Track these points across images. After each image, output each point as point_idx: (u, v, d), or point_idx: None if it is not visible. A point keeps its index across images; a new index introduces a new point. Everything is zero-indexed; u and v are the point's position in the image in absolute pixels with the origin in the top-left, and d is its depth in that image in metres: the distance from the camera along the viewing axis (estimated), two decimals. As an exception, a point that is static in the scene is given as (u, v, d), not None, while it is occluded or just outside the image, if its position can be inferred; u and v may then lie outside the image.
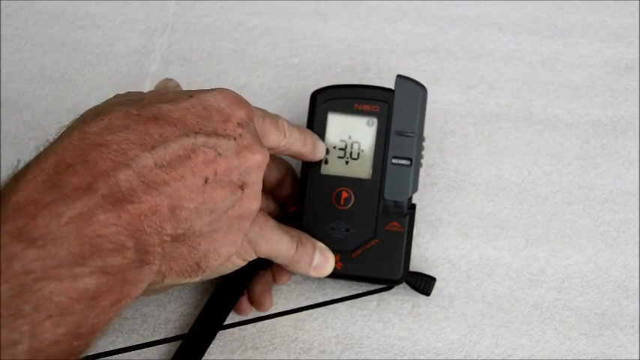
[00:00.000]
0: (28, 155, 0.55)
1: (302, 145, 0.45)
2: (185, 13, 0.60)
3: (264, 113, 0.41)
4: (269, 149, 0.40)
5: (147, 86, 0.57)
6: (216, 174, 0.35)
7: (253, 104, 0.56)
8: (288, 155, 0.46)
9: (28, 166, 0.31)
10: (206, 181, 0.34)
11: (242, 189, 0.37)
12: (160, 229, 0.32)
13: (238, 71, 0.58)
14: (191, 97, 0.36)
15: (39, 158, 0.31)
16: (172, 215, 0.33)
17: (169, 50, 0.59)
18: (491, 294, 0.51)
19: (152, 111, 0.34)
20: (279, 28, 0.59)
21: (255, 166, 0.37)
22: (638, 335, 0.49)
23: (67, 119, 0.56)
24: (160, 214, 0.32)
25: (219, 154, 0.35)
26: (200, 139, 0.34)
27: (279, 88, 0.57)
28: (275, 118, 0.42)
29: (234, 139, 0.36)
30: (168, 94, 0.36)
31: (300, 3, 0.59)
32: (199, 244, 0.36)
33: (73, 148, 0.31)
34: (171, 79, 0.46)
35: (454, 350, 0.49)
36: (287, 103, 0.56)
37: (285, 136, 0.43)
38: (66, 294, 0.29)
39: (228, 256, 0.38)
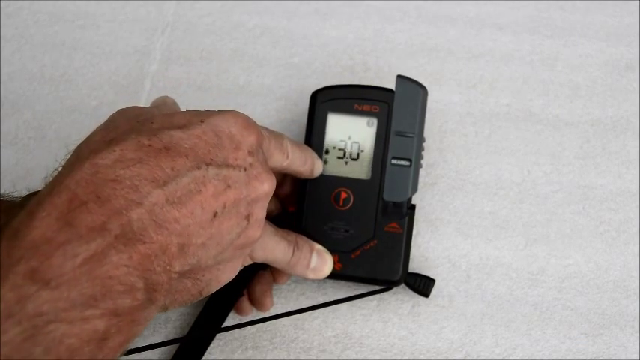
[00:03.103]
0: (28, 155, 0.55)
1: (301, 164, 0.45)
2: (185, 13, 0.60)
3: (270, 135, 0.41)
4: (270, 169, 0.40)
5: (147, 86, 0.57)
6: (225, 207, 0.35)
7: (253, 104, 0.56)
8: (287, 173, 0.46)
9: (42, 200, 0.30)
10: (215, 215, 0.34)
11: (248, 219, 0.37)
12: (168, 267, 0.32)
13: (238, 71, 0.58)
14: (202, 122, 0.35)
15: (51, 194, 0.30)
16: (181, 253, 0.33)
17: (169, 50, 0.59)
18: (491, 293, 0.51)
19: (163, 140, 0.33)
20: (279, 27, 0.59)
21: (262, 196, 0.37)
22: (638, 335, 0.49)
23: (67, 119, 0.57)
24: (170, 253, 0.32)
25: (229, 186, 0.35)
26: (211, 171, 0.34)
27: (279, 87, 0.57)
28: (279, 139, 0.42)
29: (245, 169, 0.36)
30: (177, 116, 0.35)
31: (300, 3, 0.59)
32: (203, 276, 0.36)
33: (85, 183, 0.31)
34: (167, 97, 0.46)
35: (454, 350, 0.49)
36: (287, 103, 0.56)
37: (287, 157, 0.43)
38: (76, 336, 0.28)
39: (227, 281, 0.39)
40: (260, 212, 0.38)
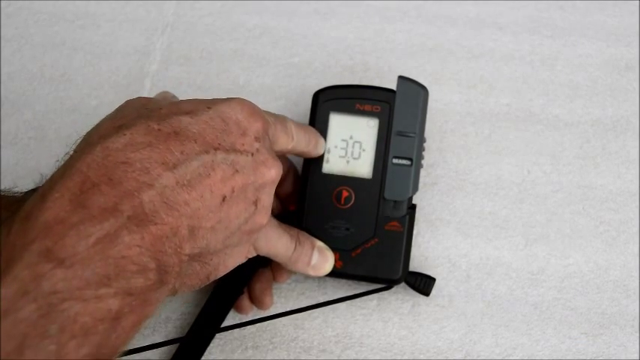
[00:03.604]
0: (28, 155, 0.55)
1: (306, 144, 0.46)
2: (185, 13, 0.60)
3: (275, 119, 0.41)
4: (276, 152, 0.40)
5: (147, 86, 0.57)
6: (233, 191, 0.35)
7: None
8: (292, 154, 0.46)
9: (54, 183, 0.31)
10: (224, 199, 0.34)
11: (255, 205, 0.37)
12: (179, 249, 0.32)
13: (238, 71, 0.58)
14: (209, 108, 0.36)
15: (63, 176, 0.31)
16: (191, 236, 0.33)
17: (169, 50, 0.59)
18: (491, 293, 0.51)
19: (172, 124, 0.34)
20: (279, 27, 0.59)
21: (269, 182, 0.38)
22: (638, 334, 0.49)
23: (67, 119, 0.57)
24: (180, 235, 0.32)
25: (237, 170, 0.35)
26: (219, 156, 0.34)
27: (279, 87, 0.57)
28: (283, 122, 0.43)
29: (252, 154, 0.36)
30: (184, 104, 0.36)
31: (300, 3, 0.59)
32: (211, 260, 0.37)
33: (97, 165, 0.31)
34: (167, 92, 0.46)
35: (454, 349, 0.49)
36: (287, 103, 0.56)
37: (292, 139, 0.43)
38: (90, 315, 0.29)
39: (234, 266, 0.39)
40: (267, 198, 0.38)
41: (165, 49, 0.59)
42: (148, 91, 0.57)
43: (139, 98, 0.39)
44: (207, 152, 0.34)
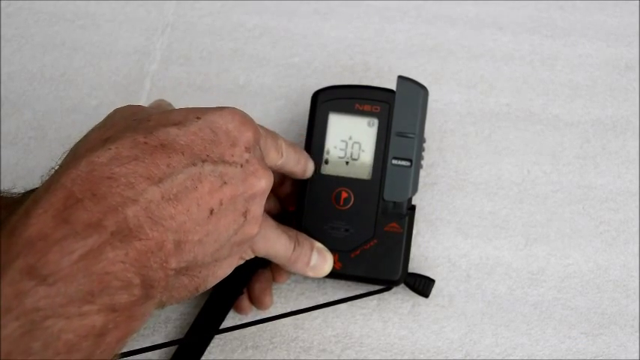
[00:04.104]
0: (28, 155, 0.55)
1: (295, 164, 0.45)
2: (185, 13, 0.60)
3: (267, 133, 0.41)
4: None
5: (147, 86, 0.57)
6: (221, 204, 0.35)
7: (253, 104, 0.56)
8: (280, 172, 0.46)
9: (38, 198, 0.30)
10: (211, 212, 0.34)
11: (245, 216, 0.37)
12: (165, 264, 0.32)
13: (238, 71, 0.58)
14: (198, 118, 0.35)
15: (48, 191, 0.31)
16: (177, 250, 0.33)
17: (169, 50, 0.59)
18: (491, 293, 0.51)
19: (159, 137, 0.33)
20: (279, 27, 0.59)
21: (259, 192, 0.37)
22: (638, 334, 0.49)
23: (67, 119, 0.57)
24: (166, 250, 0.32)
25: (226, 182, 0.35)
26: (207, 167, 0.34)
27: (279, 87, 0.57)
28: (275, 138, 0.42)
29: (241, 165, 0.36)
30: (174, 114, 0.36)
31: (300, 3, 0.59)
32: (200, 272, 0.36)
33: (81, 181, 0.31)
34: (163, 100, 0.45)
35: (454, 349, 0.49)
36: (287, 103, 0.56)
37: (282, 155, 0.43)
38: (74, 332, 0.28)
39: (224, 276, 0.39)
40: (257, 209, 0.38)
41: (165, 49, 0.59)
42: (148, 91, 0.57)
43: (129, 107, 0.38)
44: (194, 164, 0.33)
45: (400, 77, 0.48)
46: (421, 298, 0.50)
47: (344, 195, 0.48)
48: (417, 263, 0.51)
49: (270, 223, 0.43)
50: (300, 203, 0.48)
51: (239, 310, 0.49)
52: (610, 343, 0.49)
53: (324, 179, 0.48)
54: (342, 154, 0.48)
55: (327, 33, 0.58)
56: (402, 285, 0.49)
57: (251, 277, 0.49)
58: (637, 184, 0.53)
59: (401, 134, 0.48)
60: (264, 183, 0.37)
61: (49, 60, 0.59)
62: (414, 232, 0.49)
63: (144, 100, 0.57)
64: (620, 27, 0.58)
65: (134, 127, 0.34)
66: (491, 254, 0.52)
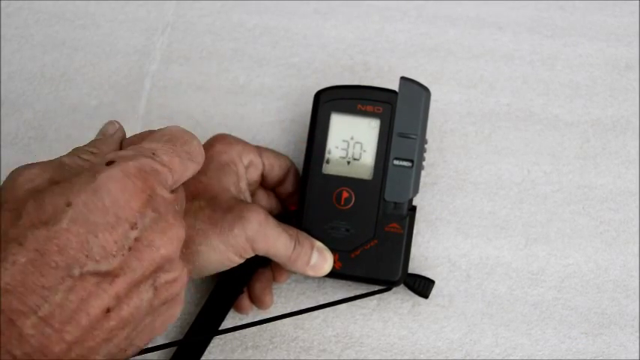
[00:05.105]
0: (28, 155, 0.55)
1: (198, 163, 0.38)
2: (185, 13, 0.60)
3: (171, 157, 0.35)
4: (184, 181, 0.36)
5: (147, 86, 0.57)
6: (118, 297, 0.31)
7: (253, 104, 0.56)
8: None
9: None
10: (108, 310, 0.31)
11: (155, 288, 0.33)
12: None
13: (238, 71, 0.58)
14: (69, 205, 0.30)
15: None
16: (84, 358, 0.30)
17: (169, 50, 0.59)
18: (491, 293, 0.51)
19: (31, 246, 0.29)
20: (279, 27, 0.59)
21: (163, 261, 0.33)
22: (637, 334, 0.49)
23: (67, 119, 0.57)
24: None
25: (116, 276, 0.31)
26: (88, 270, 0.30)
27: (279, 87, 0.57)
28: (186, 146, 0.37)
29: (129, 248, 0.31)
30: (46, 202, 0.31)
31: (300, 3, 0.59)
32: (125, 351, 0.33)
33: None
34: (112, 123, 0.40)
35: (454, 349, 0.49)
36: (287, 103, 0.56)
37: (195, 161, 0.37)
38: None
39: (164, 330, 0.36)
40: (170, 274, 0.34)
41: (165, 49, 0.59)
42: (148, 91, 0.57)
43: (29, 171, 0.34)
44: (70, 276, 0.30)
45: (403, 78, 0.48)
46: (421, 298, 0.50)
47: (345, 195, 0.48)
48: (417, 263, 0.51)
49: (271, 222, 0.44)
50: (300, 202, 0.48)
51: (239, 310, 0.49)
52: (610, 343, 0.49)
53: (325, 179, 0.48)
54: (343, 154, 0.48)
55: (327, 33, 0.58)
56: (402, 285, 0.49)
57: (251, 276, 0.49)
58: (637, 184, 0.53)
59: (403, 135, 0.48)
60: (163, 251, 0.33)
61: (49, 60, 0.59)
62: (414, 232, 0.49)
63: (144, 100, 0.57)
64: (620, 27, 0.58)
65: (14, 223, 0.30)
66: (491, 254, 0.52)
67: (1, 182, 0.31)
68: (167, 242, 0.33)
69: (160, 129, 0.37)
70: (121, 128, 0.39)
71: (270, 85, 0.57)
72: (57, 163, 0.34)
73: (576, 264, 0.51)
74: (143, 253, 0.32)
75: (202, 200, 0.43)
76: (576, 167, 0.54)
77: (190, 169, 0.37)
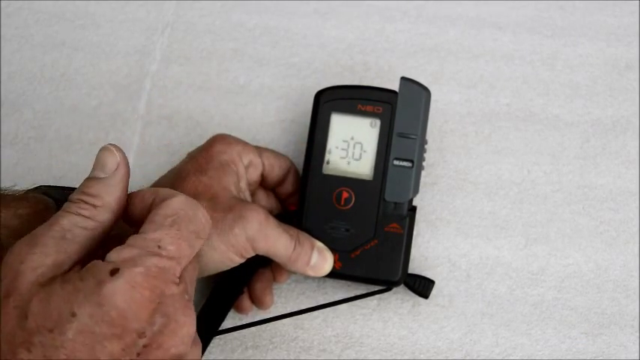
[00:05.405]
0: (28, 155, 0.55)
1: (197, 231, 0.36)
2: (185, 13, 0.60)
3: (178, 240, 0.33)
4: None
5: (147, 86, 0.57)
6: None
7: (253, 104, 0.56)
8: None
9: None
10: None
11: None
12: None
13: (238, 71, 0.58)
14: (74, 315, 0.29)
15: None
16: None
17: (169, 50, 0.59)
18: (491, 293, 0.51)
19: (38, 355, 0.29)
20: (279, 27, 0.59)
21: (175, 359, 0.32)
22: (638, 334, 0.49)
23: (67, 119, 0.57)
24: None
25: None
26: None
27: (279, 87, 0.57)
28: (192, 223, 0.34)
29: (138, 354, 0.30)
30: (53, 304, 0.30)
31: (300, 3, 0.59)
32: None
33: None
34: (110, 151, 0.35)
35: (454, 349, 0.49)
36: (287, 103, 0.56)
37: (205, 226, 0.35)
38: None
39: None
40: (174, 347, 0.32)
41: (166, 49, 0.59)
42: (148, 91, 0.57)
43: (28, 270, 0.31)
44: None
45: (403, 78, 0.48)
46: (421, 298, 0.50)
47: (345, 195, 0.48)
48: (417, 263, 0.51)
49: (271, 222, 0.44)
50: (301, 203, 0.48)
51: (239, 310, 0.49)
52: (610, 343, 0.49)
53: (325, 179, 0.48)
54: (343, 154, 0.48)
55: (327, 33, 0.58)
56: (402, 285, 0.49)
57: (251, 276, 0.49)
58: (637, 184, 0.53)
59: (403, 135, 0.48)
60: (174, 350, 0.32)
61: (49, 60, 0.59)
62: (414, 232, 0.49)
63: (144, 100, 0.57)
64: (620, 27, 0.58)
65: (20, 324, 0.30)
66: (492, 254, 0.52)
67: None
68: (178, 342, 0.32)
69: (163, 205, 0.34)
70: (123, 162, 0.35)
71: (270, 85, 0.57)
72: (57, 235, 0.32)
73: (576, 264, 0.51)
74: (153, 355, 0.31)
75: (202, 200, 0.43)
76: (576, 167, 0.54)
77: (198, 247, 0.35)
